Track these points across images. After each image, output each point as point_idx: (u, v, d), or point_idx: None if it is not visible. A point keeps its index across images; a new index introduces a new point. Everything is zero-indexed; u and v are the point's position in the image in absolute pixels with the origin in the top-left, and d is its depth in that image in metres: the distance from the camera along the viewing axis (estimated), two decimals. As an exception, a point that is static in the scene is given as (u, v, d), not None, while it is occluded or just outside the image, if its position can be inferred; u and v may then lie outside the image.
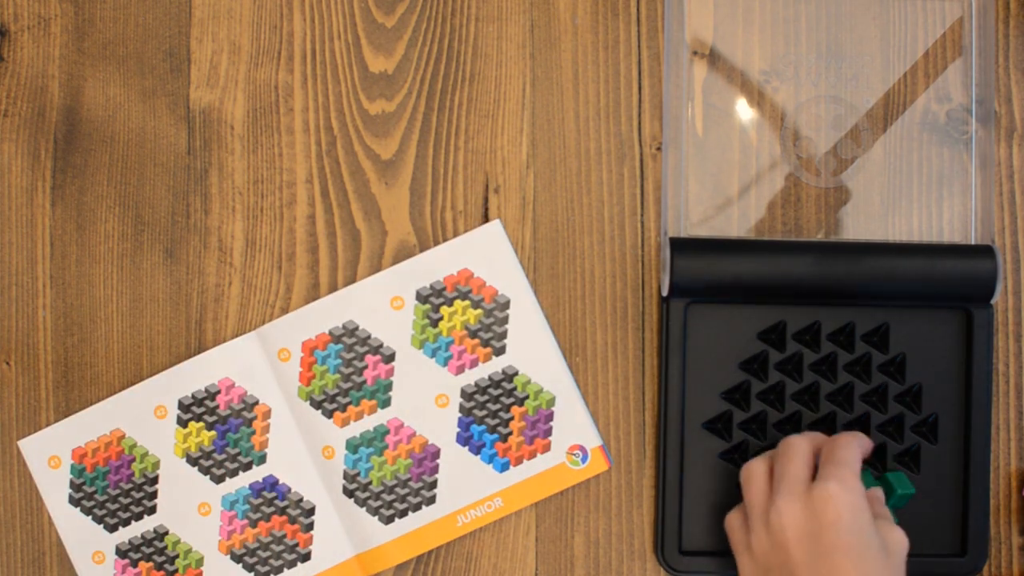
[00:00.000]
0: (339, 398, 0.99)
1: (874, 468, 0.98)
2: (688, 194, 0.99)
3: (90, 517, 0.99)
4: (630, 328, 0.99)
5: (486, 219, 1.00)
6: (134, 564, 0.99)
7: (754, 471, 0.91)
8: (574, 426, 0.99)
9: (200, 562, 0.99)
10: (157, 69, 1.00)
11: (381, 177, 1.00)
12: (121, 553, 0.99)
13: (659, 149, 1.00)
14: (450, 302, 0.99)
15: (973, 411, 0.97)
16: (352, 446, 0.99)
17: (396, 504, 0.99)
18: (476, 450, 0.99)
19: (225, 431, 0.99)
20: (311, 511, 0.99)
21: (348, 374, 0.99)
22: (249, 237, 1.00)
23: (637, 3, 1.00)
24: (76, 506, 0.99)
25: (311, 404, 0.99)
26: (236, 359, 0.99)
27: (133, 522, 0.99)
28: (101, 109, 1.00)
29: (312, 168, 1.00)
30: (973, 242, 0.99)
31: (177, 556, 0.99)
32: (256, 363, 0.99)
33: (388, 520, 0.99)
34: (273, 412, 0.99)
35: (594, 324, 0.99)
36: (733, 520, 0.92)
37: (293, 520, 0.99)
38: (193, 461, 0.99)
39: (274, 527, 0.99)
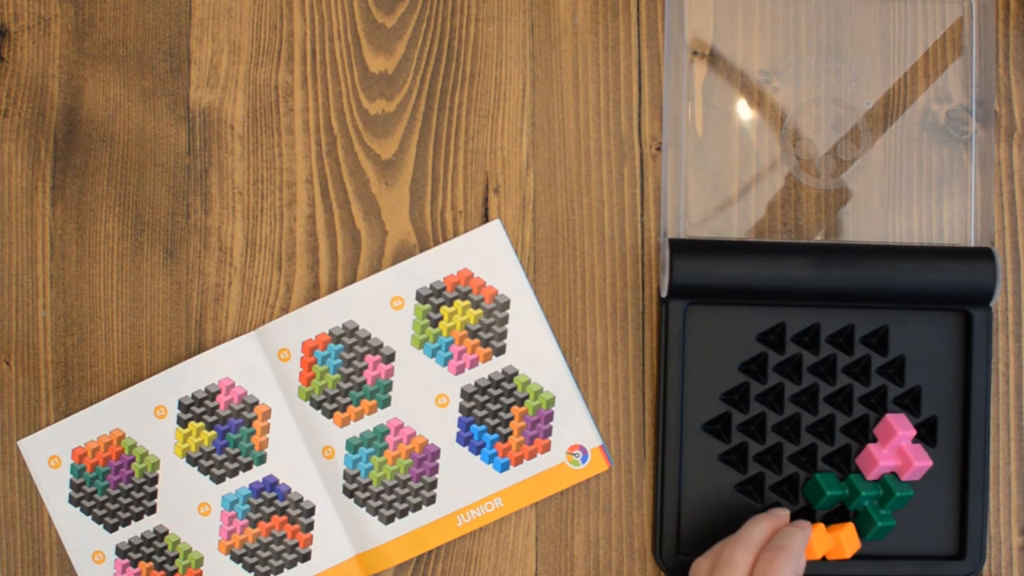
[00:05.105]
0: (339, 398, 0.99)
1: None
2: (688, 194, 0.99)
3: (90, 517, 0.99)
4: (630, 328, 0.99)
5: (486, 219, 1.00)
6: (134, 564, 0.99)
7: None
8: (574, 426, 0.99)
9: (200, 562, 0.99)
10: (157, 69, 1.00)
11: (381, 177, 1.00)
12: (121, 553, 0.99)
13: (659, 149, 1.00)
14: (450, 302, 0.99)
15: (972, 413, 0.97)
16: (352, 446, 0.99)
17: (396, 504, 0.99)
18: (476, 450, 0.99)
19: (225, 431, 0.99)
20: (311, 511, 0.99)
21: (348, 374, 0.99)
22: (249, 237, 1.00)
23: (637, 3, 1.00)
24: (76, 506, 0.99)
25: (311, 404, 0.99)
26: (236, 359, 0.99)
27: (133, 522, 0.99)
28: (101, 109, 1.00)
29: (312, 168, 1.00)
30: (972, 243, 0.99)
31: (177, 556, 0.99)
32: (256, 363, 0.99)
33: (388, 520, 0.99)
34: (273, 412, 0.99)
35: (594, 324, 0.99)
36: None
37: (293, 520, 0.99)
38: (193, 461, 0.99)
39: (274, 527, 0.99)
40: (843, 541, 0.94)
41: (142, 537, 0.99)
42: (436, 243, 1.00)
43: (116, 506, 0.99)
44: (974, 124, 0.99)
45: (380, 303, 0.99)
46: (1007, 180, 1.00)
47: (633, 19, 1.00)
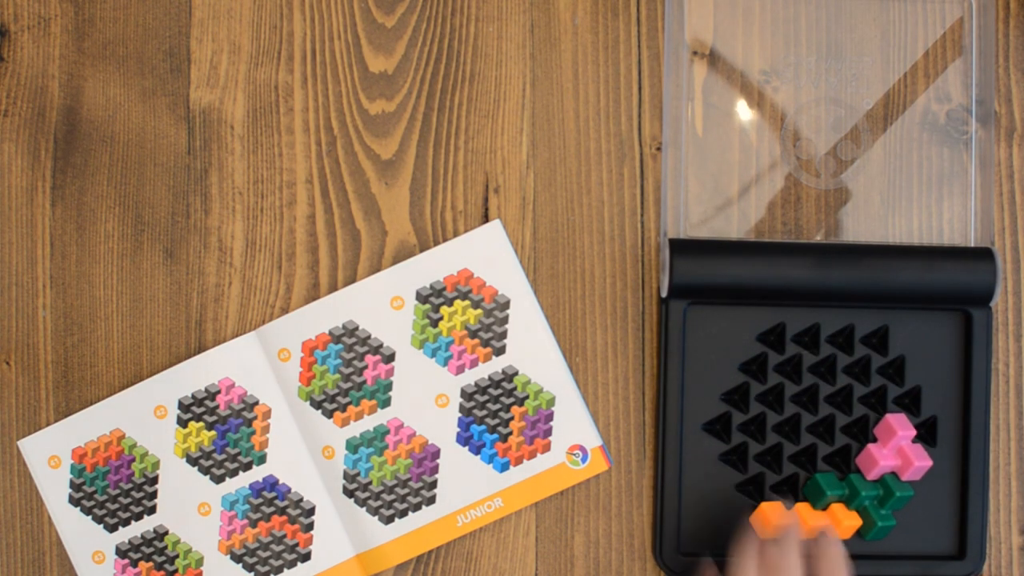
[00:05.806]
0: (339, 398, 0.99)
1: (873, 469, 0.98)
2: (688, 195, 0.99)
3: (90, 517, 0.99)
4: (630, 328, 0.99)
5: (486, 219, 1.00)
6: (134, 564, 0.99)
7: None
8: (574, 426, 0.99)
9: (200, 562, 0.99)
10: (157, 69, 1.00)
11: (381, 177, 1.00)
12: (121, 553, 0.99)
13: (659, 149, 1.00)
14: (450, 302, 0.99)
15: (972, 413, 0.97)
16: (352, 446, 0.99)
17: (396, 504, 0.99)
18: (476, 450, 0.99)
19: (225, 431, 0.99)
20: (311, 511, 0.99)
21: (348, 374, 0.99)
22: (249, 237, 1.00)
23: (637, 3, 1.00)
24: (76, 506, 0.99)
25: (311, 404, 0.99)
26: (236, 359, 0.99)
27: (133, 522, 0.99)
28: (101, 109, 1.00)
29: (312, 168, 1.00)
30: (972, 243, 0.99)
31: (177, 556, 0.99)
32: (256, 363, 0.99)
33: (388, 520, 0.99)
34: (273, 412, 0.99)
35: (594, 324, 0.99)
36: None
37: (293, 520, 0.99)
38: (193, 461, 0.99)
39: (274, 527, 0.99)
40: (839, 516, 0.94)
41: (142, 537, 0.99)
42: (436, 243, 1.00)
43: (116, 506, 0.99)
44: (974, 124, 0.99)
45: (380, 303, 0.99)
46: (1007, 180, 1.00)
47: (633, 19, 1.00)
